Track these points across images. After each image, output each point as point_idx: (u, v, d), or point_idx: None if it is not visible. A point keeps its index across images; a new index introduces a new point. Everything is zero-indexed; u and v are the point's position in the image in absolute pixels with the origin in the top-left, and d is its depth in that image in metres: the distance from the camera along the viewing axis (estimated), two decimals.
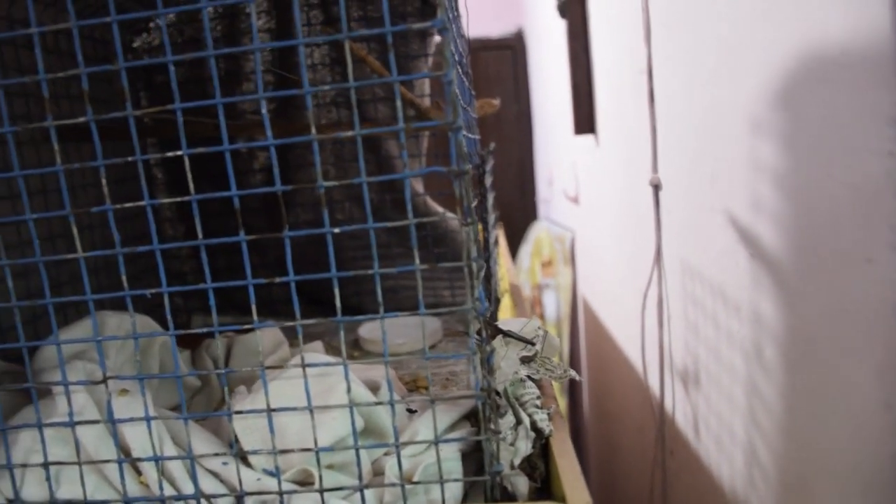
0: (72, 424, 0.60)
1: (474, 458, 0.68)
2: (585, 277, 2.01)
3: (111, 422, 0.59)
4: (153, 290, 0.56)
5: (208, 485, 0.62)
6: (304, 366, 0.55)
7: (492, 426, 0.58)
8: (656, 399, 1.27)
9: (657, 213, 1.20)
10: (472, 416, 0.72)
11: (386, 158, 1.28)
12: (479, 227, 1.10)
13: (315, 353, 0.94)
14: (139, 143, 0.54)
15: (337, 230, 0.53)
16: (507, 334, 0.70)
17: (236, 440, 0.65)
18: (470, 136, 0.95)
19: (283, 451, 0.57)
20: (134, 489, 0.62)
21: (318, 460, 0.57)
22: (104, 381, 0.58)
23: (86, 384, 0.65)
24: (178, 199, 0.55)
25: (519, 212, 3.30)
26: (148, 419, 0.59)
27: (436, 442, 0.57)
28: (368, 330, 1.20)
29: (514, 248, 2.89)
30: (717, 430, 1.00)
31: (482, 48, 3.23)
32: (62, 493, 0.62)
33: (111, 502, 0.61)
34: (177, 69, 1.20)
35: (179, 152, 0.54)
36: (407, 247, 1.31)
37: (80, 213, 0.56)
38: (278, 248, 1.29)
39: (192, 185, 0.54)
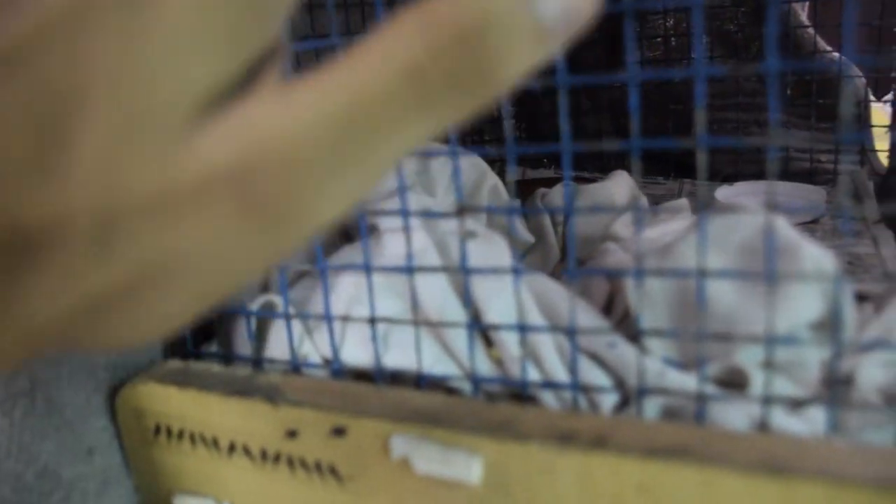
0: (410, 270, 0.44)
1: None
2: None
3: (464, 271, 0.42)
4: None
5: (586, 371, 0.43)
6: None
7: None
8: None
9: None
10: None
11: None
12: None
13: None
14: None
15: None
16: None
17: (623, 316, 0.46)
18: None
19: (721, 337, 0.37)
20: (483, 367, 0.45)
21: (772, 353, 0.35)
22: (461, 211, 0.40)
23: (430, 217, 0.48)
24: None
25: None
26: (516, 272, 0.41)
27: None
28: (726, 196, 0.96)
29: None
30: None
31: None
32: (390, 359, 0.46)
33: (453, 379, 0.45)
34: None
35: None
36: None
37: None
38: (612, 89, 1.06)
39: None
